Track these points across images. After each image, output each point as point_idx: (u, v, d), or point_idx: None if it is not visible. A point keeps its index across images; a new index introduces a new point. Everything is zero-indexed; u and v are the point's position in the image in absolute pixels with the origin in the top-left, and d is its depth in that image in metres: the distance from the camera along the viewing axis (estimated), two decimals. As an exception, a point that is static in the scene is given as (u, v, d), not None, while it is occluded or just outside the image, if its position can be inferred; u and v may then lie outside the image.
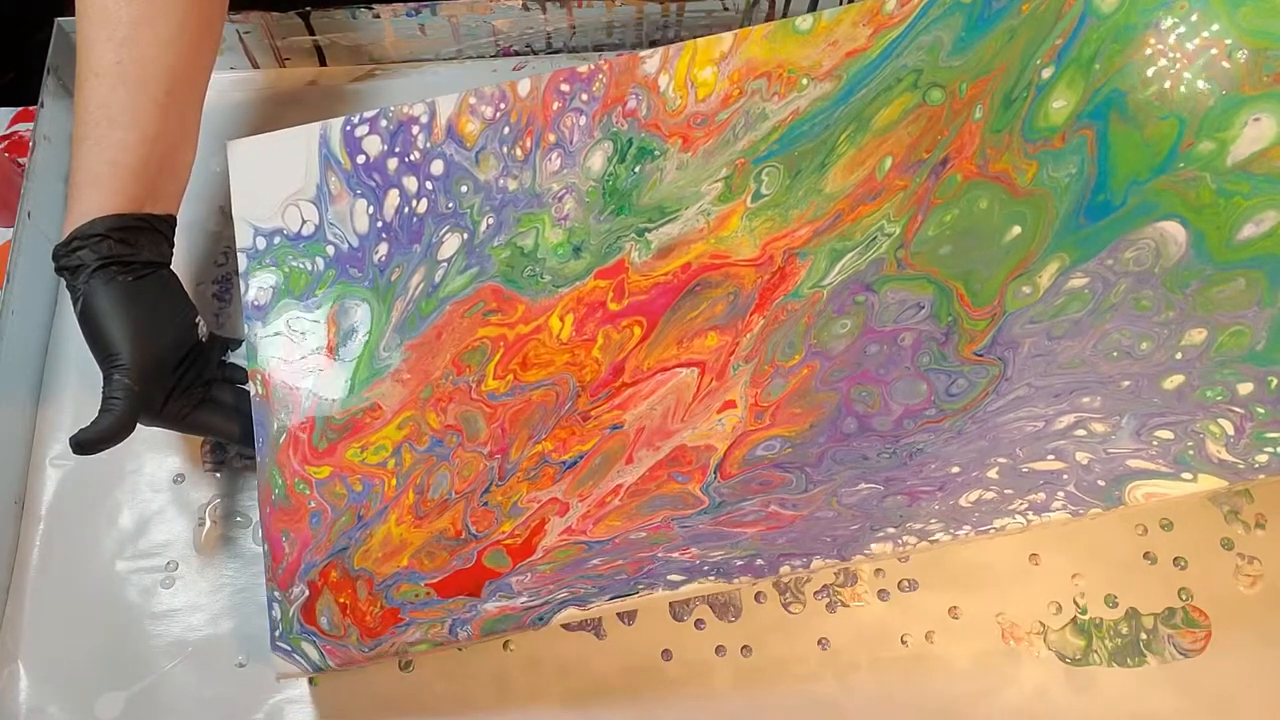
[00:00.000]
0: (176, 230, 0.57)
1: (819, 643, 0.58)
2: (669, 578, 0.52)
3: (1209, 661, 0.57)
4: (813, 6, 0.70)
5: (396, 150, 0.58)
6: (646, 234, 0.56)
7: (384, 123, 0.59)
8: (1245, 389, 0.51)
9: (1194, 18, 0.55)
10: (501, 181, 0.58)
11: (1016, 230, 0.54)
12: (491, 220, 0.57)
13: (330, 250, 0.58)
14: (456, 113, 0.59)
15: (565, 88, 0.58)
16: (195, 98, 0.58)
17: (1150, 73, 0.55)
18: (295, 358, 0.56)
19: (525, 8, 0.70)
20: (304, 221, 0.58)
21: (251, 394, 0.56)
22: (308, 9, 0.71)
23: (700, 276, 0.56)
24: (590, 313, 0.56)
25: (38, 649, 0.58)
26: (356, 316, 0.57)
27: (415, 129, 0.59)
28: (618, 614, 0.59)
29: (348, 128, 0.59)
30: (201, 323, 0.56)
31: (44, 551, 0.60)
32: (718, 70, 0.58)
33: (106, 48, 0.53)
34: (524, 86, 0.59)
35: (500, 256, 0.57)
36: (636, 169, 0.57)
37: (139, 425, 0.53)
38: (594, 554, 0.52)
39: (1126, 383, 0.52)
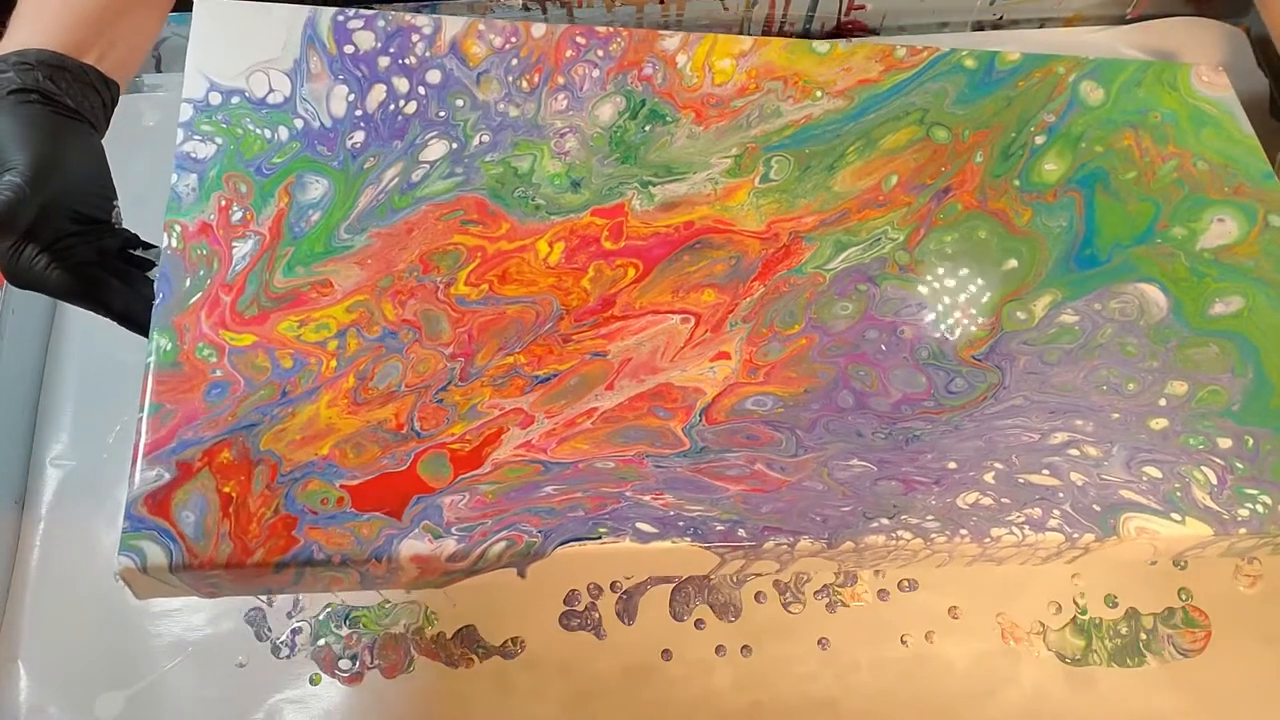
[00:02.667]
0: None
1: (819, 643, 0.56)
2: (638, 526, 0.44)
3: (1209, 661, 0.56)
4: (812, 8, 0.72)
5: (391, 51, 0.53)
6: (651, 187, 0.53)
7: (382, 23, 0.54)
8: (1225, 443, 0.51)
9: (1164, 129, 0.60)
10: (502, 106, 0.53)
11: (1013, 263, 0.54)
12: (486, 139, 0.52)
13: (299, 124, 0.51)
14: (463, 34, 0.55)
15: (581, 40, 0.56)
16: None
17: (1129, 162, 0.59)
18: (233, 219, 0.48)
19: (525, 8, 0.69)
20: (272, 90, 0.51)
21: (163, 246, 0.47)
22: (308, 9, 0.67)
23: (703, 236, 0.52)
24: (584, 245, 0.51)
25: (38, 649, 0.56)
26: (316, 192, 0.49)
27: (415, 37, 0.54)
28: (617, 614, 0.56)
29: (340, 18, 0.54)
30: (119, 208, 0.47)
31: (44, 551, 0.58)
32: (736, 64, 0.57)
33: None
34: (538, 29, 0.56)
35: (491, 171, 0.52)
36: (646, 128, 0.54)
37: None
38: (550, 478, 0.44)
39: (1115, 415, 0.51)
